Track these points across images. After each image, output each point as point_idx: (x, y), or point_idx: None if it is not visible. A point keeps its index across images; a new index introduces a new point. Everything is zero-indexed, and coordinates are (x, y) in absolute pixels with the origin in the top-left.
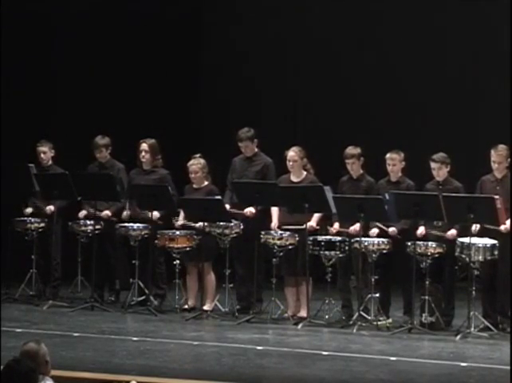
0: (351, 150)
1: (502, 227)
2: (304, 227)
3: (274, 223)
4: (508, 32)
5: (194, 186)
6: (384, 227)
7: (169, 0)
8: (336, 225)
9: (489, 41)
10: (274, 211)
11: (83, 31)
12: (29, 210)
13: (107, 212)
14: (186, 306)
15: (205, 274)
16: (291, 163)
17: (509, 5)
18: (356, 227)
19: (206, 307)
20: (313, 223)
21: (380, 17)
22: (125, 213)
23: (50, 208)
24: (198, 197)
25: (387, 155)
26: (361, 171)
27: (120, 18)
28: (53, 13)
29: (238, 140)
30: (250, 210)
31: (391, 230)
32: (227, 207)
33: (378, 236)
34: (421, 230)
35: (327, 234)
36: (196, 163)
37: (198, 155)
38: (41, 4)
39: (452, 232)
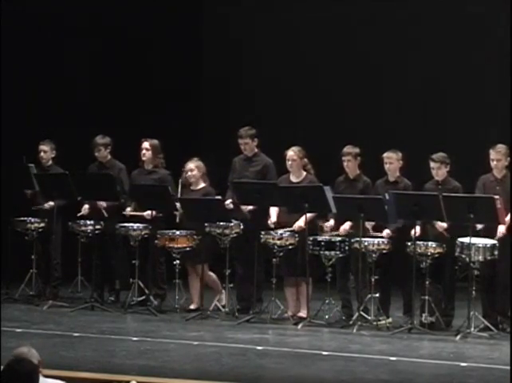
0: (348, 148)
1: (499, 231)
2: (293, 228)
3: (272, 220)
4: (508, 31)
5: (191, 187)
6: (378, 234)
7: (170, 5)
8: (332, 221)
9: (489, 41)
10: (273, 209)
11: (84, 31)
12: (30, 193)
13: (102, 203)
14: (191, 307)
15: (203, 276)
16: (290, 162)
17: (509, 4)
18: (346, 226)
19: (217, 303)
20: (300, 222)
21: (380, 16)
22: (128, 209)
23: (50, 204)
24: (196, 197)
25: (385, 154)
26: (358, 172)
27: (120, 18)
28: (54, 13)
29: (239, 137)
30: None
31: (386, 233)
32: (228, 202)
33: (376, 236)
34: (417, 230)
35: (322, 233)
36: (193, 162)
37: (195, 158)
38: (44, 4)
39: (442, 224)
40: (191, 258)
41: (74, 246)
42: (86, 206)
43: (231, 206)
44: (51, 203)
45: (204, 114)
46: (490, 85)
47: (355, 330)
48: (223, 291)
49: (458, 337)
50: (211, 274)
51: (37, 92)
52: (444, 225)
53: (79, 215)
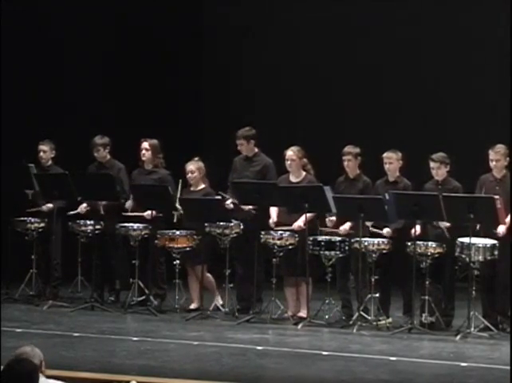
0: (348, 148)
1: (499, 230)
2: (292, 228)
3: (273, 219)
4: (508, 31)
5: (191, 188)
6: (378, 231)
7: (170, 5)
8: (334, 217)
9: (489, 41)
10: (273, 209)
11: (83, 31)
12: (32, 193)
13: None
14: (191, 307)
15: (203, 277)
16: (289, 162)
17: (509, 4)
18: (346, 226)
19: (217, 303)
20: (300, 222)
21: (380, 16)
22: (128, 203)
23: (48, 206)
24: (196, 197)
25: (384, 154)
26: (358, 171)
27: (120, 18)
28: (53, 13)
29: (236, 138)
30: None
31: (386, 231)
32: (229, 202)
33: (376, 236)
34: (417, 229)
35: (321, 233)
36: (193, 164)
37: (196, 158)
38: (44, 4)
39: (446, 224)
40: (190, 259)
41: (74, 246)
42: (84, 205)
43: (231, 206)
44: (49, 206)
45: (204, 114)
46: (490, 85)
47: (355, 330)
48: (218, 293)
49: (458, 337)
50: (208, 275)
51: (37, 92)
52: (447, 223)
53: (73, 212)
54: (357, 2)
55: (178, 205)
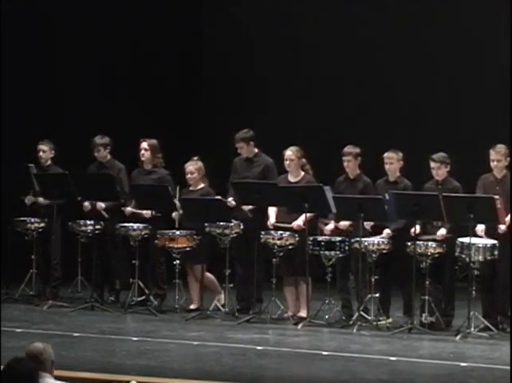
0: (349, 148)
1: (501, 227)
2: (291, 226)
3: (271, 220)
4: (508, 31)
5: (191, 188)
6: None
7: (170, 5)
8: (332, 225)
9: (489, 40)
10: (272, 209)
11: (83, 31)
12: (29, 199)
13: (101, 204)
14: (191, 307)
15: (202, 276)
16: (288, 161)
17: (509, 4)
18: (346, 222)
19: (217, 303)
20: (299, 221)
21: (380, 16)
22: (128, 209)
23: (45, 201)
24: (196, 197)
25: (385, 155)
26: (358, 172)
27: (119, 18)
28: (53, 12)
29: (235, 142)
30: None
31: (386, 232)
32: (230, 199)
33: (376, 235)
34: (417, 229)
35: (322, 233)
36: (193, 164)
37: (195, 157)
38: (44, 4)
39: (441, 232)
40: (190, 259)
41: (74, 246)
42: (86, 203)
43: (233, 203)
44: (46, 201)
45: (204, 114)
46: (490, 85)
47: (355, 330)
48: (222, 291)
49: (458, 337)
50: (209, 275)
51: (37, 92)
52: (444, 232)
53: (88, 208)
54: (357, 2)
55: (178, 210)
